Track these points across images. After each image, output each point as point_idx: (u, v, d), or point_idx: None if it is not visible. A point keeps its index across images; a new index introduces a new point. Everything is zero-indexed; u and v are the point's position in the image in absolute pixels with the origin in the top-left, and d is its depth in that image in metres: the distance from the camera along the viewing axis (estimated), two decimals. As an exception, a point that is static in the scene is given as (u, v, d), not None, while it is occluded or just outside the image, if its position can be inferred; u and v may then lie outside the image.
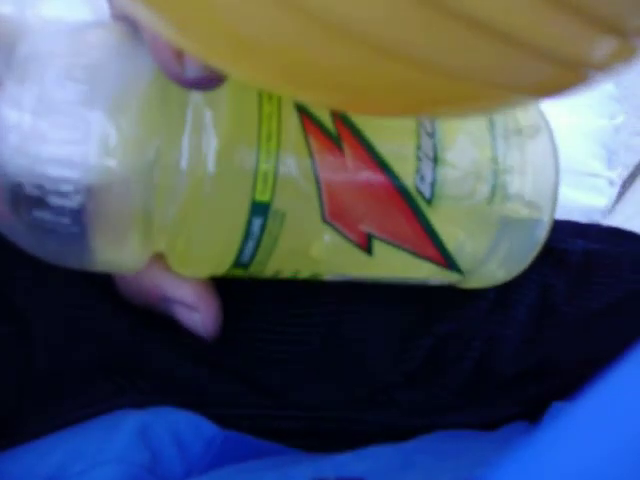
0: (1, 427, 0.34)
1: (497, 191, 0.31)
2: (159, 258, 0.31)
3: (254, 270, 0.30)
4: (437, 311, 0.38)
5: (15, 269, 0.34)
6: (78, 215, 0.27)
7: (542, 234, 0.34)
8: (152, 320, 0.34)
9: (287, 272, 0.31)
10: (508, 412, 0.38)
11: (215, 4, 0.17)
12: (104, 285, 0.34)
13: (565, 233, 0.40)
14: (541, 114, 0.34)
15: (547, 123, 0.34)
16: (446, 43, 0.17)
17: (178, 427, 0.32)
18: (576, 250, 0.40)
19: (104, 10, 0.29)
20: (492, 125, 0.32)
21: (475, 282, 0.35)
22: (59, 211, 0.27)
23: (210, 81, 0.25)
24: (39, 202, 0.27)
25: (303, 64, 0.19)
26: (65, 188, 0.26)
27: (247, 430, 0.34)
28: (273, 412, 0.36)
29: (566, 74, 0.19)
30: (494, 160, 0.31)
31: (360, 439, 0.36)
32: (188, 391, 0.35)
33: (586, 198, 0.42)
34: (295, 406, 0.36)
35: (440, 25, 0.16)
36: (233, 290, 0.34)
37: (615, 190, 0.55)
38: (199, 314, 0.31)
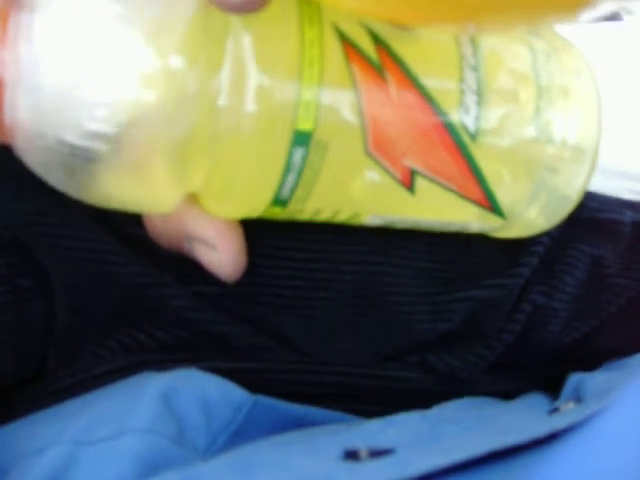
0: (25, 387, 0.34)
1: (541, 131, 0.30)
2: (188, 196, 0.30)
3: (293, 209, 0.30)
4: (478, 273, 0.37)
5: (34, 223, 0.33)
6: (113, 147, 0.26)
7: (584, 181, 0.33)
8: (168, 265, 0.33)
9: (327, 212, 0.30)
10: (534, 386, 0.38)
11: None
12: (121, 232, 0.34)
13: (612, 204, 0.40)
14: (584, 58, 0.33)
15: (590, 68, 0.33)
16: None
17: (205, 393, 0.31)
18: (625, 221, 0.39)
19: None
20: (535, 62, 0.31)
21: (514, 231, 0.34)
22: (95, 142, 0.26)
23: (255, 3, 0.24)
24: (75, 133, 0.26)
25: None
26: (100, 113, 0.26)
27: (270, 388, 0.33)
28: (294, 365, 0.35)
29: None
30: (538, 97, 0.30)
31: (385, 400, 0.35)
32: (208, 343, 0.34)
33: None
34: (318, 360, 0.36)
35: None
36: (253, 228, 0.32)
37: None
38: (219, 254, 0.30)
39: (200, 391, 0.31)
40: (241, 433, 0.31)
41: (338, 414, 0.34)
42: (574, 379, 0.34)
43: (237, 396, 0.31)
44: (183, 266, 0.33)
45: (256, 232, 0.32)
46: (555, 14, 0.23)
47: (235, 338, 0.34)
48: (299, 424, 0.32)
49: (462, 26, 0.26)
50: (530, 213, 0.33)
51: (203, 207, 0.30)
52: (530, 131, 0.30)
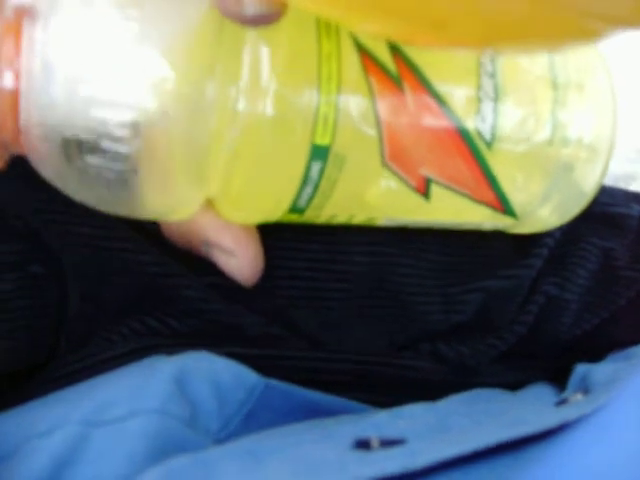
0: (36, 371, 0.34)
1: (557, 133, 0.30)
2: (205, 203, 0.30)
3: (309, 216, 0.30)
4: (490, 265, 0.37)
5: (44, 209, 0.33)
6: (130, 160, 0.26)
7: (597, 180, 0.33)
8: (183, 257, 0.33)
9: (342, 217, 0.31)
10: (542, 377, 0.38)
11: None
12: (135, 223, 0.33)
13: (620, 198, 0.40)
14: (599, 54, 0.33)
15: (605, 63, 0.32)
16: None
17: (218, 375, 0.31)
18: (633, 215, 0.39)
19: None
20: (552, 65, 0.31)
21: (527, 227, 0.34)
22: (112, 156, 0.26)
23: (269, 17, 0.24)
24: (91, 147, 0.26)
25: None
26: (119, 132, 0.25)
27: (283, 375, 0.33)
28: (308, 353, 0.35)
29: None
30: (554, 101, 0.30)
31: (397, 389, 0.35)
32: (221, 332, 0.34)
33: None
34: (333, 350, 0.36)
35: None
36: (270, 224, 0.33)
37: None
38: (236, 259, 0.31)
39: (212, 374, 0.31)
40: (254, 416, 0.31)
41: (350, 402, 0.34)
42: (580, 370, 0.34)
43: (249, 379, 0.31)
44: (198, 258, 0.33)
45: (273, 225, 0.32)
46: (570, 43, 0.23)
47: (249, 328, 0.35)
48: (311, 409, 0.32)
49: (479, 50, 0.26)
50: (543, 211, 0.33)
51: (220, 213, 0.30)
52: (546, 134, 0.30)
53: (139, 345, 0.34)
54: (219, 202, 0.30)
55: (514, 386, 0.37)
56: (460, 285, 0.37)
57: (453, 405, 0.33)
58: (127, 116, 0.25)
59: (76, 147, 0.26)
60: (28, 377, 0.35)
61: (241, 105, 0.26)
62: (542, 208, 0.33)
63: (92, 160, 0.26)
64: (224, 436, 0.29)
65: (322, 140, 0.27)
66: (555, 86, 0.30)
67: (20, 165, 0.31)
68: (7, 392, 0.33)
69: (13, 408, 0.31)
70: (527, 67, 0.30)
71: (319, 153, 0.27)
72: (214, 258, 0.31)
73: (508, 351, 0.37)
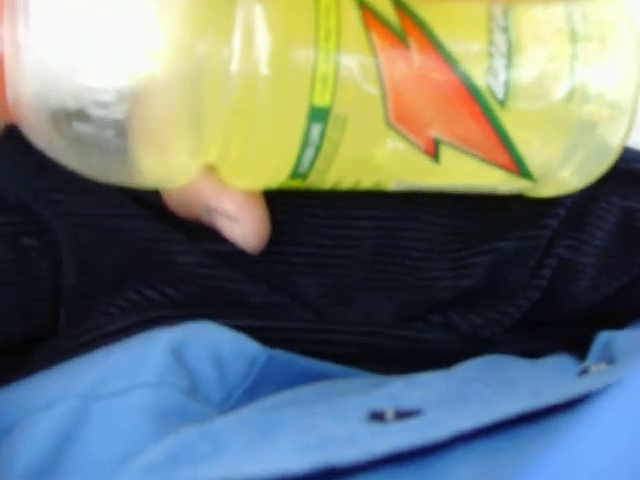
0: (40, 345, 0.34)
1: (576, 90, 0.29)
2: (206, 168, 0.29)
3: (313, 181, 0.29)
4: (503, 227, 0.36)
5: (34, 181, 0.33)
6: (121, 126, 0.25)
7: (622, 137, 0.31)
8: (180, 223, 0.33)
9: (348, 182, 0.29)
10: (561, 346, 0.36)
11: None
12: (125, 189, 0.32)
13: None
14: (622, 8, 0.31)
15: (628, 17, 0.31)
16: None
17: (217, 345, 0.30)
18: None
19: None
20: (570, 17, 0.29)
21: (547, 190, 0.33)
22: (101, 123, 0.25)
23: None
24: (80, 115, 0.25)
25: None
26: (106, 98, 0.25)
27: (286, 348, 0.32)
28: (313, 324, 0.34)
29: None
30: (574, 56, 0.28)
31: (408, 361, 0.34)
32: (221, 300, 0.33)
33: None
34: (338, 320, 0.35)
35: None
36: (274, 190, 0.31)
37: None
38: (240, 225, 0.30)
39: (212, 344, 0.30)
40: (257, 388, 0.30)
41: (357, 372, 0.33)
42: (603, 338, 0.33)
43: (251, 350, 0.30)
44: (195, 226, 0.32)
45: (276, 190, 0.31)
46: None
47: (250, 296, 0.34)
48: (317, 380, 0.31)
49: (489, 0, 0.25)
50: (564, 173, 0.31)
51: (222, 179, 0.29)
52: (564, 91, 0.29)
53: (140, 318, 0.33)
54: (220, 168, 0.29)
55: (531, 356, 0.35)
56: (470, 248, 0.35)
57: (471, 372, 0.32)
58: (113, 81, 0.24)
59: (64, 115, 0.25)
60: (29, 352, 0.34)
61: (234, 66, 0.25)
62: (562, 170, 0.31)
63: (81, 128, 0.25)
64: (227, 409, 0.29)
65: (321, 101, 0.26)
66: (574, 40, 0.29)
67: (10, 136, 0.31)
68: (8, 367, 0.33)
69: (14, 383, 0.31)
70: (544, 20, 0.28)
71: (319, 114, 0.26)
72: (218, 225, 0.30)
73: (523, 319, 0.36)
